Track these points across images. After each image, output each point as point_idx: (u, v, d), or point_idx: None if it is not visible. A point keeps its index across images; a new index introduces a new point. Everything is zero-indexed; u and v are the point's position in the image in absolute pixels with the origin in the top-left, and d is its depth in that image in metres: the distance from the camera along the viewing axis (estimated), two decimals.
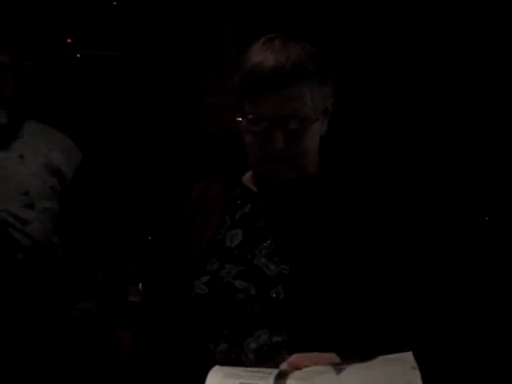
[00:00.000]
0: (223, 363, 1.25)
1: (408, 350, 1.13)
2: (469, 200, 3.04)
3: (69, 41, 3.50)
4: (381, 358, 1.13)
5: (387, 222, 1.40)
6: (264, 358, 1.30)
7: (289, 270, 1.35)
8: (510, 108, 3.08)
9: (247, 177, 1.51)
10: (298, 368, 1.16)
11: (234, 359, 1.32)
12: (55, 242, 2.11)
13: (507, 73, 3.10)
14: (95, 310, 2.80)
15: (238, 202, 1.48)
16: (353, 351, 1.20)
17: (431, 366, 1.19)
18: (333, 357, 1.20)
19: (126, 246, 3.25)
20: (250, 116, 1.38)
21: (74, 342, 2.29)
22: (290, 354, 1.22)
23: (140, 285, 3.13)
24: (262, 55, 1.37)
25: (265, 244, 1.40)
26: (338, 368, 1.11)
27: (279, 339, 1.30)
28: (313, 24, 3.23)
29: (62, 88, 3.51)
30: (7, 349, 2.03)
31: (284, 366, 1.17)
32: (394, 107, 3.21)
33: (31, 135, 2.16)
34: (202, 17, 3.54)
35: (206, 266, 1.41)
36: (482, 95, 3.13)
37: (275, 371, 1.13)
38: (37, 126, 2.20)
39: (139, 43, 3.62)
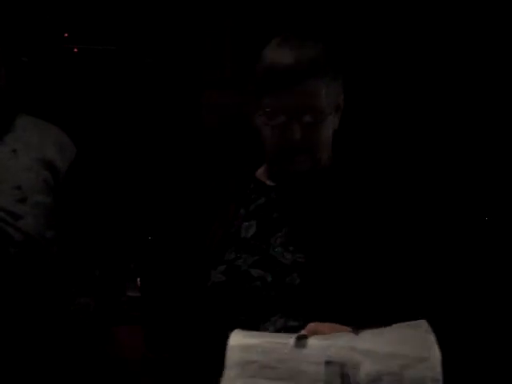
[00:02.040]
0: None
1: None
2: (476, 193, 3.06)
3: (66, 35, 3.50)
4: (395, 325, 1.19)
5: (395, 209, 1.49)
6: None
7: (303, 258, 1.42)
8: None
9: (261, 171, 1.60)
10: (316, 334, 1.21)
11: None
12: (49, 236, 2.10)
13: None
14: (93, 305, 2.79)
15: (253, 195, 1.56)
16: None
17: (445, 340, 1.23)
18: (348, 329, 1.24)
19: (124, 240, 3.24)
20: (269, 110, 1.47)
21: (71, 337, 2.28)
22: None
23: (138, 280, 3.13)
24: (280, 52, 1.47)
25: (279, 234, 1.47)
26: (355, 331, 1.17)
27: (295, 324, 1.36)
28: (311, 21, 3.23)
29: (60, 83, 3.50)
30: (2, 345, 2.02)
31: (304, 331, 1.22)
32: (403, 102, 3.22)
33: (24, 129, 2.14)
34: (201, 11, 3.53)
35: (222, 256, 1.49)
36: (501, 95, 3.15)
37: (295, 335, 1.18)
38: (30, 120, 2.18)
39: (137, 37, 3.61)
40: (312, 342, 1.16)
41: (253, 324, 1.39)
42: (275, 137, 1.49)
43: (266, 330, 1.38)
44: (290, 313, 1.38)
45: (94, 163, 2.38)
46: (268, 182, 1.57)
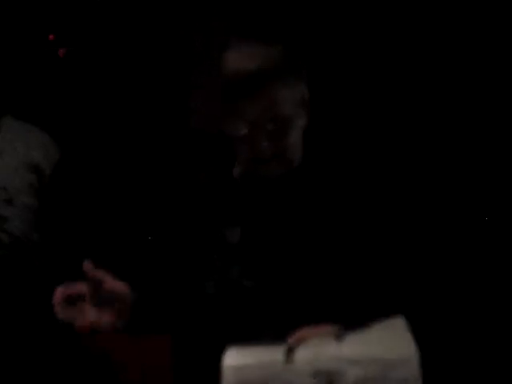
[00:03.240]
0: None
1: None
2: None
3: (51, 37, 3.49)
4: (376, 324, 1.26)
5: (369, 203, 1.47)
6: None
7: (288, 263, 1.42)
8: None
9: (238, 173, 1.57)
10: (303, 341, 1.25)
11: None
12: (35, 238, 2.10)
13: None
14: None
15: (234, 198, 1.54)
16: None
17: (422, 333, 1.29)
18: (334, 328, 1.28)
19: (111, 243, 3.23)
20: (233, 122, 1.43)
21: (58, 340, 2.27)
22: None
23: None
24: (234, 62, 1.42)
25: (263, 239, 1.46)
26: (338, 338, 1.24)
27: (288, 331, 1.35)
28: (299, 21, 3.24)
29: (45, 86, 3.49)
30: None
31: (291, 341, 1.26)
32: (373, 97, 3.23)
33: (9, 131, 2.15)
34: (189, 13, 3.54)
35: (212, 265, 1.48)
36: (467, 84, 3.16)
37: (283, 346, 1.24)
38: (14, 122, 2.19)
39: (124, 40, 3.61)
40: (300, 355, 1.22)
41: (248, 332, 1.40)
42: (243, 147, 1.45)
43: (260, 337, 1.36)
44: (282, 320, 1.39)
45: (79, 165, 2.38)
46: (246, 185, 1.54)
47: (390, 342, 1.21)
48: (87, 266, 1.38)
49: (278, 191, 1.49)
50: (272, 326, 1.40)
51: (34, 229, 2.10)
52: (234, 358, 1.24)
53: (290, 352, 1.23)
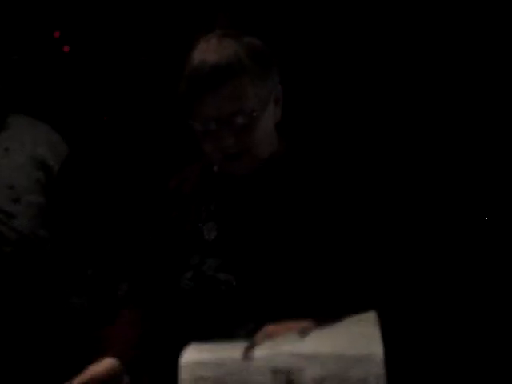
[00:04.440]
0: None
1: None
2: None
3: (57, 34, 3.48)
4: (346, 319, 1.21)
5: (343, 197, 1.45)
6: None
7: (265, 258, 1.40)
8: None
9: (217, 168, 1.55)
10: (271, 337, 1.22)
11: None
12: (42, 235, 2.10)
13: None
14: (86, 304, 2.79)
15: (212, 193, 1.52)
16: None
17: (394, 328, 1.28)
18: (307, 323, 1.25)
19: (117, 239, 3.23)
20: (197, 118, 1.42)
21: (65, 337, 2.28)
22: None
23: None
24: (199, 57, 1.42)
25: (240, 235, 1.44)
26: (304, 333, 1.19)
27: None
28: (303, 22, 3.24)
29: (51, 82, 3.49)
30: None
31: (257, 337, 1.23)
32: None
33: (16, 128, 2.15)
34: (194, 9, 3.53)
35: (189, 261, 1.46)
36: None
37: (246, 342, 1.20)
38: (22, 119, 2.19)
39: (131, 36, 3.60)
40: (258, 352, 1.18)
41: (225, 328, 1.39)
42: (210, 144, 1.44)
43: (237, 334, 1.37)
44: (258, 315, 1.37)
45: (86, 162, 2.38)
46: (224, 179, 1.52)
47: (355, 338, 1.16)
48: None
49: (253, 186, 1.48)
50: (247, 321, 1.39)
51: (40, 226, 2.10)
52: (191, 355, 1.20)
53: (249, 349, 1.19)
